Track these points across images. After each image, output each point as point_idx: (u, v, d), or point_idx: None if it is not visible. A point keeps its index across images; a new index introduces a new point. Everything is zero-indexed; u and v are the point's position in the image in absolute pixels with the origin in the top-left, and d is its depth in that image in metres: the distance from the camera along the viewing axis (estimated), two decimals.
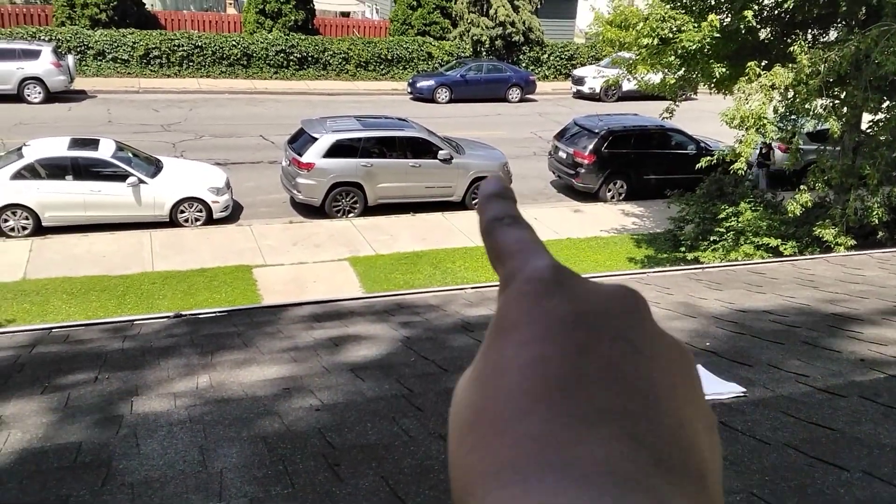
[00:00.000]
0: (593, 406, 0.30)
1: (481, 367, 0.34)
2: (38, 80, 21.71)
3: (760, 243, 10.98)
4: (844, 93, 10.40)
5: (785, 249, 10.66)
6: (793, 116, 11.11)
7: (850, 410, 2.36)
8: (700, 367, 2.80)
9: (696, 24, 10.54)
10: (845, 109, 10.53)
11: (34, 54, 21.77)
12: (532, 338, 0.33)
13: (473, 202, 15.43)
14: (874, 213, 10.50)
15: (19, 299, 10.39)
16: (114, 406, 2.74)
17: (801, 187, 10.62)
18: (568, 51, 32.18)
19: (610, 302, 0.35)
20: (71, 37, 25.32)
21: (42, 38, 24.56)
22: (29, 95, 21.73)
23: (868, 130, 11.09)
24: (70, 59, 22.91)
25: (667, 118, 12.67)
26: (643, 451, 0.29)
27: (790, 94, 10.29)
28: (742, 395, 2.56)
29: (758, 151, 15.54)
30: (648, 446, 0.29)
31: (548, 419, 0.29)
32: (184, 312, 4.29)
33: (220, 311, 4.42)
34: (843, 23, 11.03)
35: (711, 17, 10.30)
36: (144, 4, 29.41)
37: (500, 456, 0.29)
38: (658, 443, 0.30)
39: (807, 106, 10.17)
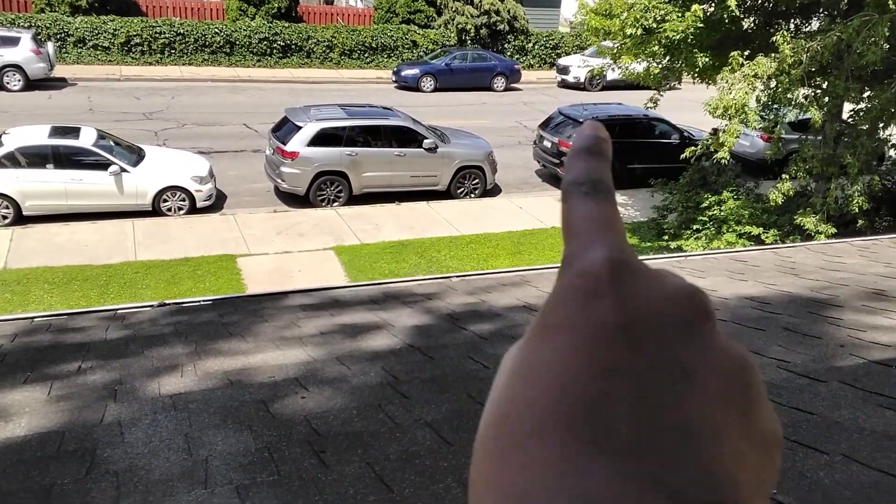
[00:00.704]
0: (616, 437, 0.28)
1: (518, 362, 0.32)
2: (17, 68, 21.41)
3: (742, 232, 11.07)
4: (826, 82, 10.48)
5: (766, 238, 10.76)
6: (775, 106, 11.19)
7: (830, 395, 2.39)
8: None
9: (679, 14, 10.56)
10: (827, 99, 10.61)
11: (13, 41, 21.46)
12: (567, 346, 0.30)
13: (458, 191, 15.45)
14: (854, 201, 10.61)
15: (0, 290, 10.29)
16: (98, 395, 2.73)
17: (783, 176, 10.71)
18: (553, 40, 32.16)
19: (667, 309, 0.31)
20: (51, 24, 24.97)
21: (21, 24, 24.21)
22: (8, 83, 21.43)
23: (849, 120, 11.19)
24: (50, 47, 22.58)
25: (651, 108, 12.71)
26: (660, 496, 0.27)
27: (773, 83, 10.35)
28: None
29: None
30: (667, 491, 0.27)
31: (565, 443, 0.28)
32: (168, 301, 4.26)
33: (204, 300, 4.40)
34: (826, 13, 11.10)
35: (695, 6, 10.32)
36: None
37: (510, 476, 0.28)
38: (681, 488, 0.27)
39: (789, 95, 10.23)
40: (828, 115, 10.73)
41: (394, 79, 26.62)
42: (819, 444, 2.03)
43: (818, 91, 10.62)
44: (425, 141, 14.85)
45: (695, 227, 11.77)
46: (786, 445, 2.02)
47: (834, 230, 10.45)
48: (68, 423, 2.46)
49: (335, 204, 14.50)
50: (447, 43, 29.40)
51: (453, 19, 29.88)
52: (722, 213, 11.37)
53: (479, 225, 13.94)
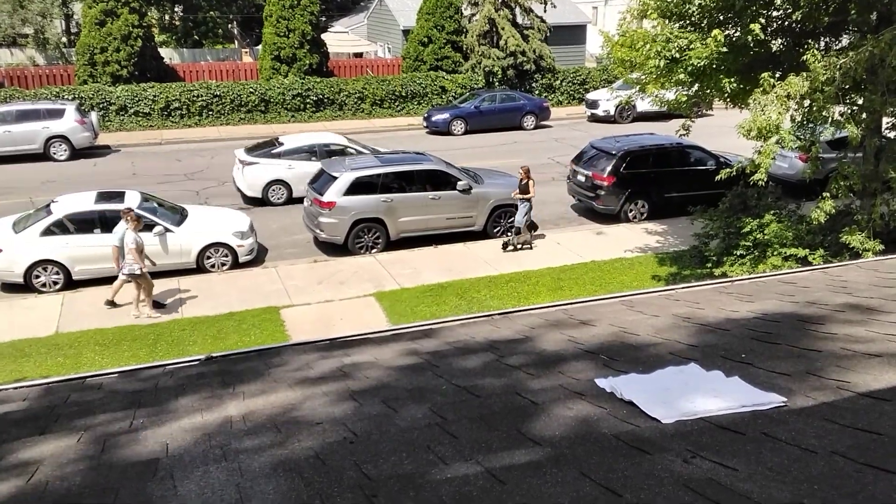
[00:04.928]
0: None
1: None
2: (63, 139, 22.25)
3: (788, 254, 10.81)
4: (862, 98, 10.29)
5: (813, 259, 10.48)
6: (811, 125, 11.01)
7: None
8: (737, 379, 2.74)
9: (703, 42, 10.52)
10: (864, 115, 10.41)
11: (58, 113, 22.35)
12: None
13: (495, 231, 15.46)
14: None
15: (53, 353, 10.51)
16: (149, 449, 2.75)
17: (825, 195, 10.48)
18: (580, 76, 32.36)
19: None
20: (93, 94, 25.99)
21: (65, 96, 25.22)
22: (55, 153, 22.25)
23: (888, 133, 10.95)
24: (93, 116, 23.47)
25: (684, 135, 12.62)
26: None
27: (806, 102, 10.20)
28: (783, 404, 2.50)
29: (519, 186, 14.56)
30: None
31: None
32: (214, 354, 4.31)
33: (249, 351, 4.44)
34: (855, 29, 10.96)
35: (715, 31, 10.26)
36: (163, 58, 30.14)
37: None
38: None
39: (824, 114, 10.07)
40: (866, 130, 10.52)
41: (425, 124, 27.00)
42: (889, 465, 1.94)
43: (854, 107, 10.43)
44: (459, 183, 14.94)
45: (738, 252, 11.53)
46: (854, 468, 1.94)
47: (882, 247, 10.16)
48: (122, 478, 2.48)
49: (374, 250, 14.61)
50: (475, 86, 29.77)
51: (480, 63, 30.27)
52: (765, 237, 11.13)
53: (518, 263, 13.89)
